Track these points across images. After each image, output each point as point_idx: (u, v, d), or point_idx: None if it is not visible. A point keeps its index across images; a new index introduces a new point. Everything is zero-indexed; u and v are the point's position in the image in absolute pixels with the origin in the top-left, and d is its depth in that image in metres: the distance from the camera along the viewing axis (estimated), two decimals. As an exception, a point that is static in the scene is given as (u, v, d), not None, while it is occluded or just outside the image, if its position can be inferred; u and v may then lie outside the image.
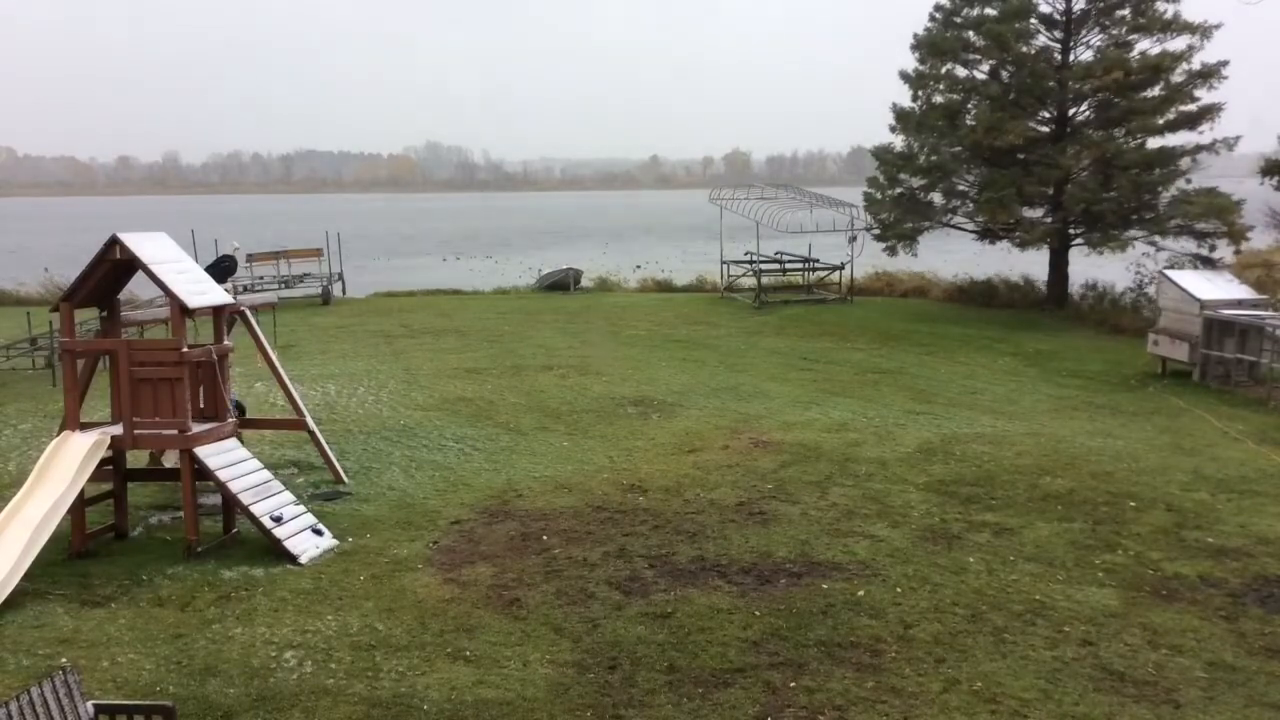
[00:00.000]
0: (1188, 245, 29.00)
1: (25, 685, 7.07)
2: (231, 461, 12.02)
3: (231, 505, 12.10)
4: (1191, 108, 29.09)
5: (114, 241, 11.59)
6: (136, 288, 16.81)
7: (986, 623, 9.64)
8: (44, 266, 40.33)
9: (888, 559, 11.23)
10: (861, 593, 10.34)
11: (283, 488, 12.49)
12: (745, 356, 24.25)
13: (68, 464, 11.43)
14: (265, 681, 8.65)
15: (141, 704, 7.33)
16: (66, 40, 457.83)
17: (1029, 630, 9.48)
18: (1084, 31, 30.87)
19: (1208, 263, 27.96)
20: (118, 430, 11.91)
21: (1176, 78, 29.06)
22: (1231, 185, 28.89)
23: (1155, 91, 29.29)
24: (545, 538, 12.03)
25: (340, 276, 38.31)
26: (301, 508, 12.28)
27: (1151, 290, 28.22)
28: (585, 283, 39.55)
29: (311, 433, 14.71)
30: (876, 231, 33.27)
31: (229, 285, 19.05)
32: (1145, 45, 29.85)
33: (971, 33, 30.76)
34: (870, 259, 35.96)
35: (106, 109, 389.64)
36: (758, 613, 9.88)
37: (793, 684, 8.51)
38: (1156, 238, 29.25)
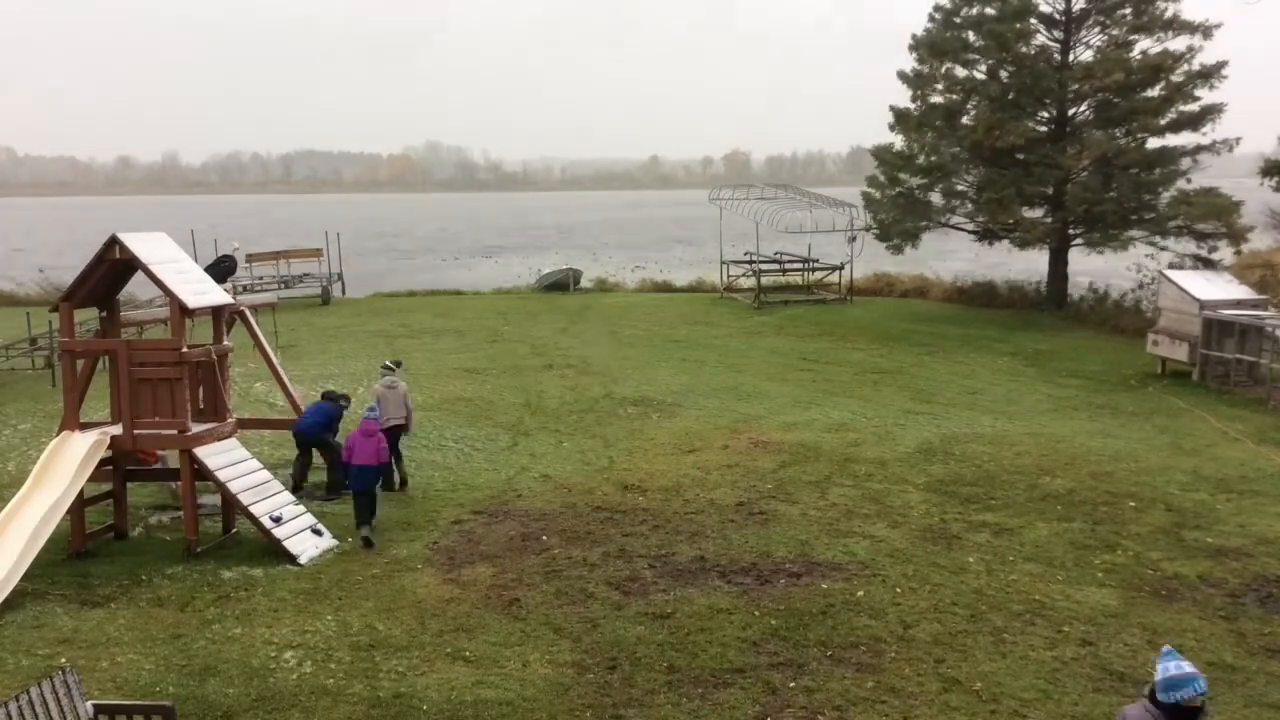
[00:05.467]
0: (1188, 246, 29.00)
1: (25, 685, 7.06)
2: (231, 461, 12.02)
3: (231, 505, 12.10)
4: (1193, 108, 29.08)
5: (114, 241, 11.58)
6: (136, 288, 16.82)
7: (986, 623, 9.64)
8: (39, 268, 40.32)
9: (887, 559, 11.23)
10: (861, 593, 10.34)
11: (282, 488, 12.50)
12: (745, 357, 24.24)
13: (67, 464, 11.42)
14: (265, 681, 8.65)
15: (141, 704, 7.34)
16: (66, 40, 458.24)
17: (1029, 630, 9.48)
18: (1084, 31, 30.87)
19: (1208, 263, 27.96)
20: (117, 430, 11.90)
21: (1176, 78, 29.06)
22: (1231, 185, 28.89)
23: (1156, 91, 29.30)
24: (545, 538, 12.03)
25: (340, 277, 38.33)
26: (301, 508, 12.28)
27: (1152, 290, 28.22)
28: (585, 283, 39.55)
29: (311, 433, 14.69)
30: (876, 231, 33.25)
31: (228, 285, 19.02)
32: (1145, 45, 29.88)
33: (971, 33, 30.75)
34: (870, 259, 35.96)
35: (106, 109, 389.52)
36: (758, 613, 9.88)
37: (792, 684, 8.51)
38: (1156, 238, 29.25)
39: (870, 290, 36.39)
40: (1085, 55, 30.64)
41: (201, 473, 11.80)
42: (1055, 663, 8.85)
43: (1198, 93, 28.97)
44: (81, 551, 11.69)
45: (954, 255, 38.71)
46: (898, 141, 32.98)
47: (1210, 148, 28.94)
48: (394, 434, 14.04)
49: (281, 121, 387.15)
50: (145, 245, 11.84)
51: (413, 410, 14.70)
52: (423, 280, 43.43)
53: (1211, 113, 28.87)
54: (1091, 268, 32.62)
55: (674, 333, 27.88)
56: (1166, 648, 5.36)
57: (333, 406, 14.61)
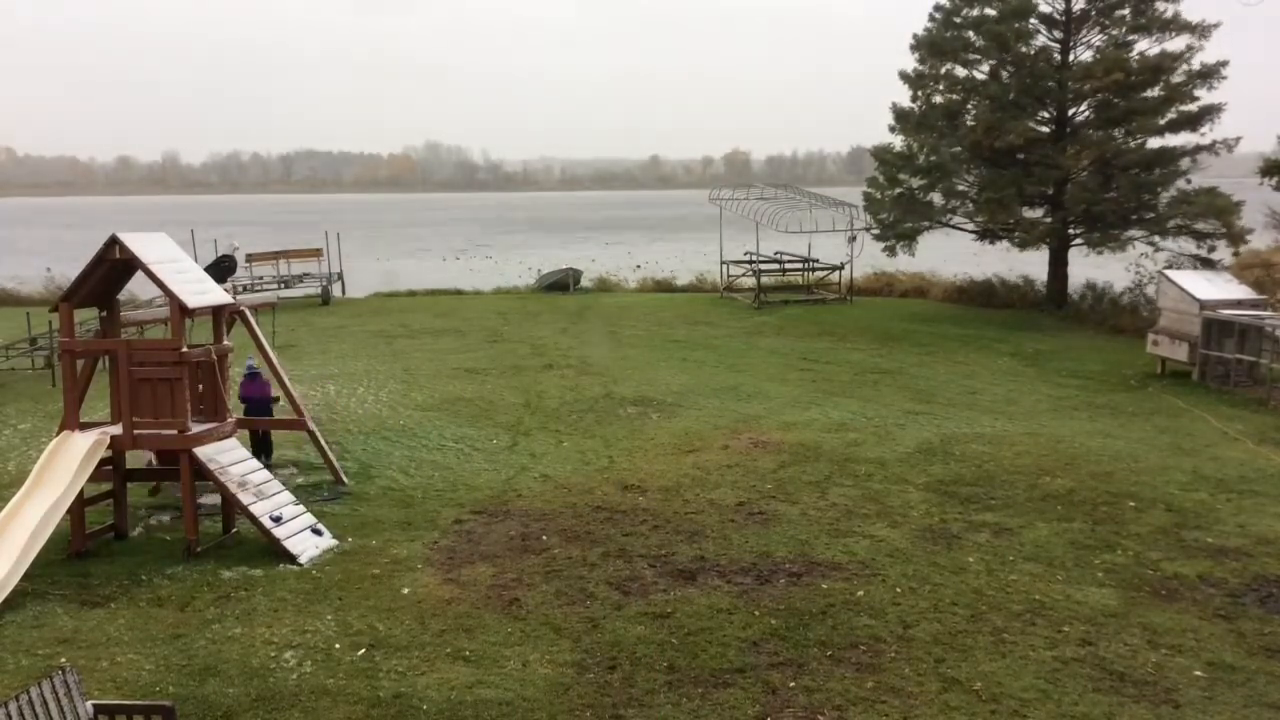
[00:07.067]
0: (1187, 246, 29.02)
1: (25, 685, 7.06)
2: (231, 462, 12.02)
3: (231, 505, 12.10)
4: (1192, 108, 29.10)
5: (113, 241, 11.58)
6: (136, 288, 16.82)
7: (986, 623, 9.64)
8: (46, 266, 40.37)
9: (887, 559, 11.23)
10: (861, 593, 10.35)
11: (282, 488, 12.49)
12: (745, 357, 24.25)
13: (67, 464, 11.42)
14: (265, 681, 8.65)
15: (141, 704, 7.34)
16: (66, 40, 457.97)
17: (1029, 630, 9.48)
18: (1084, 31, 30.88)
19: (1207, 263, 27.98)
20: (117, 430, 11.90)
21: (1176, 78, 29.08)
22: (1231, 185, 28.91)
23: (1155, 92, 29.31)
24: (545, 538, 12.04)
25: (340, 277, 38.32)
26: (301, 507, 12.27)
27: (1151, 290, 28.23)
28: (585, 283, 39.56)
29: (311, 433, 14.71)
30: (876, 231, 33.28)
31: (228, 285, 19.02)
32: (1145, 45, 29.92)
33: (971, 33, 30.77)
34: (870, 259, 35.98)
35: (106, 109, 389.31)
36: (758, 613, 9.88)
37: (792, 684, 8.51)
38: (1156, 238, 29.27)
39: (870, 290, 36.41)
40: (1085, 55, 30.68)
41: (201, 473, 11.80)
42: (1055, 663, 8.85)
43: (1197, 93, 29.01)
44: (81, 551, 11.68)
45: (954, 255, 38.68)
46: (898, 142, 33.04)
47: (1209, 148, 28.97)
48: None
49: (281, 121, 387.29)
50: (145, 245, 11.84)
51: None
52: (423, 280, 43.38)
53: (1211, 113, 28.91)
54: (1091, 268, 32.60)
55: (674, 333, 27.88)
56: None
57: None
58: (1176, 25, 29.04)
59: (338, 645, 9.32)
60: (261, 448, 15.11)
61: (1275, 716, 8.03)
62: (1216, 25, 28.66)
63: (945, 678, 8.60)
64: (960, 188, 32.01)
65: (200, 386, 12.35)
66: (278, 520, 11.66)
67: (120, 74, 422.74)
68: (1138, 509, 12.87)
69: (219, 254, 28.30)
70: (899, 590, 10.39)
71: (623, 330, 28.29)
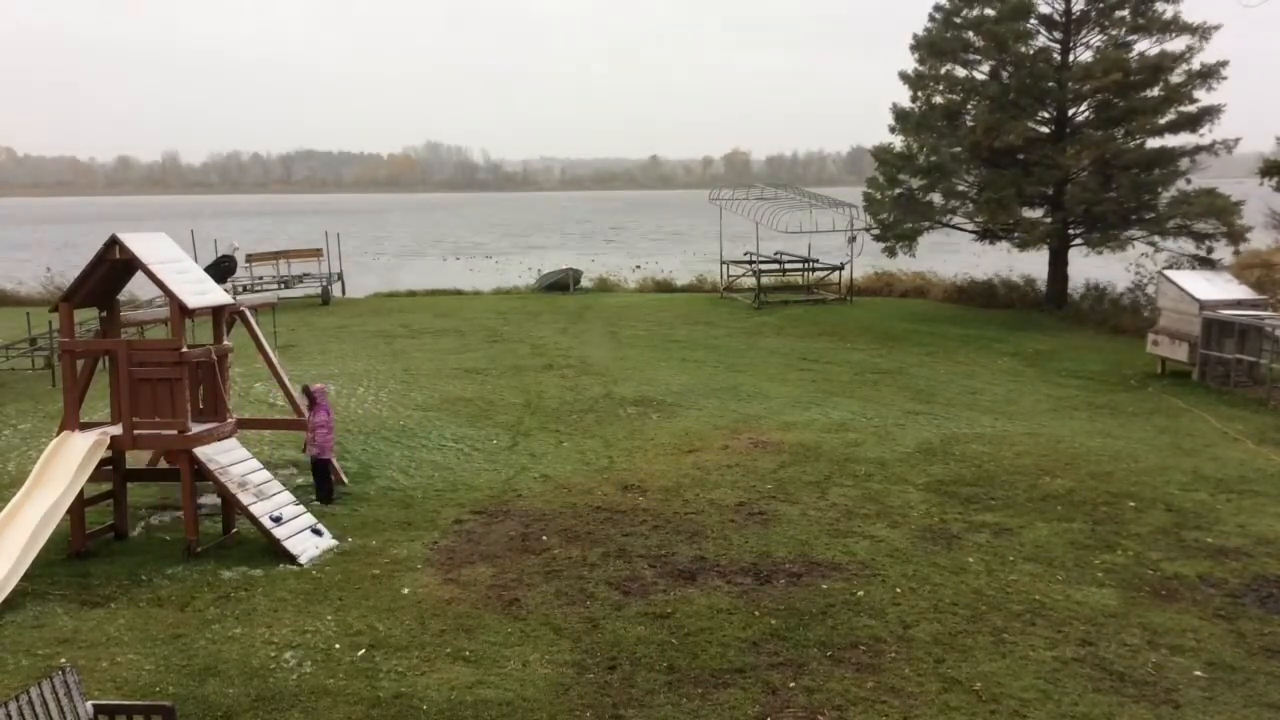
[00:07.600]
0: (1187, 246, 29.03)
1: (25, 685, 7.06)
2: (231, 462, 12.02)
3: (231, 505, 12.10)
4: (1191, 109, 29.10)
5: (113, 241, 11.58)
6: (136, 288, 16.82)
7: (986, 623, 9.64)
8: (46, 266, 40.37)
9: (887, 559, 11.23)
10: (861, 593, 10.35)
11: (282, 488, 12.49)
12: (745, 357, 24.24)
13: (67, 464, 11.42)
14: (265, 681, 8.65)
15: (141, 704, 7.34)
16: (67, 40, 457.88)
17: (1029, 630, 9.48)
18: (1084, 32, 30.89)
19: (1207, 263, 27.99)
20: (117, 430, 11.90)
21: (1176, 78, 29.09)
22: (1231, 185, 28.91)
23: (1155, 92, 29.32)
24: (545, 538, 12.03)
25: (340, 276, 38.32)
26: (301, 508, 12.27)
27: (1151, 290, 28.24)
28: (585, 283, 39.57)
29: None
30: (876, 232, 33.28)
31: (228, 285, 19.00)
32: (1144, 46, 29.92)
33: (971, 33, 30.78)
34: (870, 259, 35.99)
35: (106, 109, 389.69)
36: (758, 613, 9.88)
37: (792, 684, 8.51)
38: (1156, 238, 29.27)
39: (870, 290, 36.40)
40: (1085, 56, 30.68)
41: (201, 473, 11.80)
42: (1055, 663, 8.85)
43: (1196, 94, 29.01)
44: (81, 551, 11.69)
45: (954, 255, 38.69)
46: (897, 142, 33.04)
47: (1209, 148, 28.98)
48: None
49: (281, 121, 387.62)
50: (145, 245, 11.85)
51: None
52: (423, 280, 43.41)
53: (1210, 113, 28.92)
54: (1091, 268, 32.59)
55: (674, 333, 27.88)
56: None
57: None
58: (1176, 27, 29.04)
59: (338, 645, 9.33)
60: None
61: (1275, 716, 8.04)
62: (1217, 28, 28.68)
63: (945, 678, 8.60)
64: (960, 188, 32.00)
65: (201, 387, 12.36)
66: (278, 520, 11.66)
67: (121, 74, 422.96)
68: (1138, 509, 12.87)
69: (219, 254, 28.31)
70: (899, 590, 10.39)
71: (623, 330, 28.28)
